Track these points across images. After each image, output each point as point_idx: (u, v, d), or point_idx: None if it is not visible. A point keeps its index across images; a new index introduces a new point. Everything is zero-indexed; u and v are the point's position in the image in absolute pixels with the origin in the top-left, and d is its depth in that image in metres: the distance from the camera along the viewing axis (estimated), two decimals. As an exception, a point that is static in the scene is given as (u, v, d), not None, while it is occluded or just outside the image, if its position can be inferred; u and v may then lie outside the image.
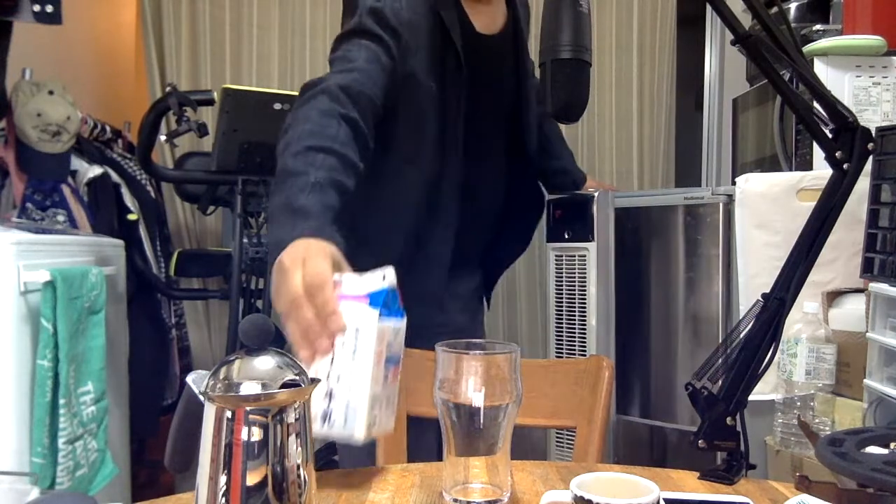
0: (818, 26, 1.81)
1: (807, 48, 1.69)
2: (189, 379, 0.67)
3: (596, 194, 1.83)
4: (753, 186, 1.61)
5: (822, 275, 1.53)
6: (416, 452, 1.16)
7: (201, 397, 0.60)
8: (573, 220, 1.85)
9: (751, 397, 0.88)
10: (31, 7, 1.63)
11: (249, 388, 0.58)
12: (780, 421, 1.46)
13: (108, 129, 2.46)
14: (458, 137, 1.30)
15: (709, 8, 1.94)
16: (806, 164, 1.72)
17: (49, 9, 1.64)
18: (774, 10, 0.91)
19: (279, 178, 1.00)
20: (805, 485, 0.69)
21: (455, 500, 0.75)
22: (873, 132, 0.90)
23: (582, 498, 0.59)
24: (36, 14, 1.63)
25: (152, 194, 2.51)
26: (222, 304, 2.54)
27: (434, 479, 0.85)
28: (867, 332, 1.35)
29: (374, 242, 1.26)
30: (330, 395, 0.78)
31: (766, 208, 1.59)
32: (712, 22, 2.82)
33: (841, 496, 0.67)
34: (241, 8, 2.63)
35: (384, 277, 0.81)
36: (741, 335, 0.89)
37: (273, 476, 0.58)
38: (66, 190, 2.13)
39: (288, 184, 0.98)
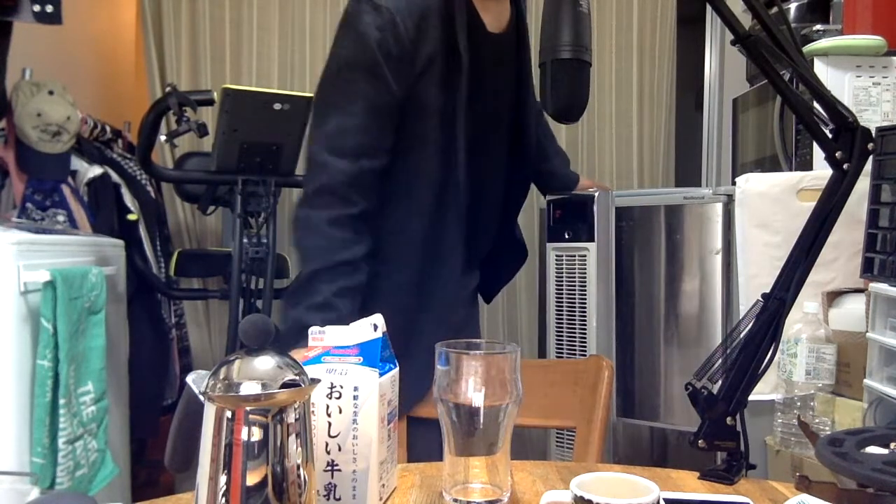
0: (818, 26, 1.81)
1: (807, 48, 1.69)
2: (189, 379, 0.67)
3: (596, 194, 1.83)
4: (753, 186, 1.61)
5: (822, 275, 1.53)
6: (418, 451, 1.16)
7: (201, 397, 0.60)
8: (573, 220, 1.85)
9: (751, 397, 0.88)
10: (31, 7, 1.63)
11: (249, 388, 0.58)
12: (780, 421, 1.46)
13: (108, 129, 2.46)
14: (462, 137, 1.30)
15: (709, 8, 1.94)
16: (806, 164, 1.72)
17: (49, 9, 1.64)
18: (774, 10, 0.91)
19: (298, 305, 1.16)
20: (805, 485, 0.69)
21: (455, 500, 0.75)
22: (873, 132, 0.90)
23: (582, 498, 0.59)
24: (36, 14, 1.63)
25: (152, 194, 2.52)
26: (222, 304, 2.55)
27: (434, 479, 0.85)
28: (867, 332, 1.35)
29: (393, 259, 1.30)
30: (332, 467, 0.73)
31: (766, 208, 1.59)
32: (712, 22, 2.82)
33: (841, 496, 0.67)
34: (241, 8, 2.63)
35: (375, 327, 0.75)
36: (741, 335, 0.89)
37: (273, 476, 0.58)
38: (66, 190, 2.13)
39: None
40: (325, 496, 0.73)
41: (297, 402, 0.60)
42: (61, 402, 1.44)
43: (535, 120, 1.48)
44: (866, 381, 1.34)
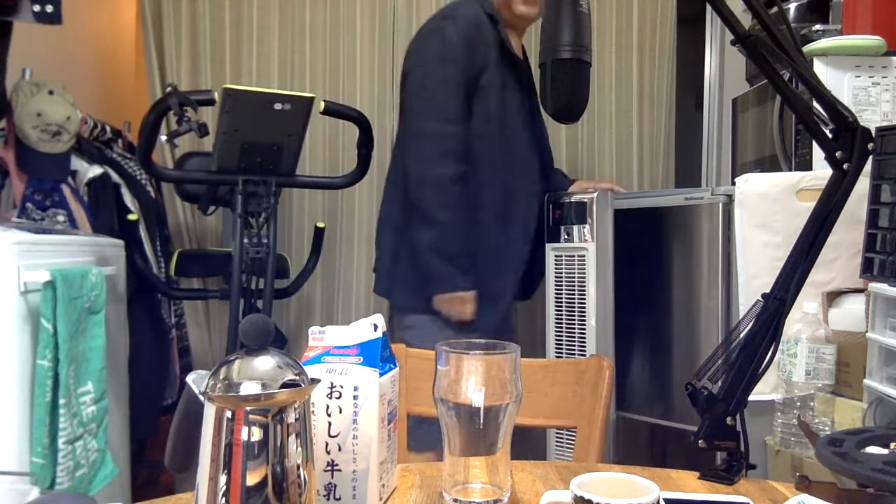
0: (818, 26, 1.81)
1: (807, 48, 1.69)
2: (189, 379, 0.67)
3: (595, 194, 1.83)
4: (753, 186, 1.61)
5: (822, 275, 1.53)
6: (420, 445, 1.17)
7: (201, 397, 0.60)
8: (573, 221, 1.85)
9: (751, 397, 0.88)
10: (31, 7, 1.63)
11: (249, 388, 0.58)
12: (780, 421, 1.47)
13: (108, 129, 2.46)
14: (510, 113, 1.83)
15: (709, 8, 1.94)
16: (806, 164, 1.72)
17: (49, 9, 1.64)
18: (774, 10, 0.91)
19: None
20: (805, 485, 0.69)
21: (455, 500, 0.75)
22: (873, 132, 0.90)
23: (582, 498, 0.59)
24: (36, 14, 1.63)
25: (152, 194, 2.51)
26: (222, 304, 2.54)
27: (434, 479, 0.85)
28: (867, 332, 1.35)
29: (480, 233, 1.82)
30: (332, 467, 0.72)
31: (766, 208, 1.59)
32: (712, 22, 2.82)
33: (841, 496, 0.67)
34: (241, 8, 2.63)
35: (375, 327, 0.75)
36: (741, 335, 0.89)
37: (273, 476, 0.58)
38: (66, 190, 2.13)
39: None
40: (325, 496, 0.73)
41: (297, 402, 0.60)
42: (61, 402, 1.44)
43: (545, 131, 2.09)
44: (866, 381, 1.34)
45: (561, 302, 1.88)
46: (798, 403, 1.44)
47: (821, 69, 1.69)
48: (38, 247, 1.50)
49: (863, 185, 1.26)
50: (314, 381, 0.61)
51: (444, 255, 1.73)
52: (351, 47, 2.64)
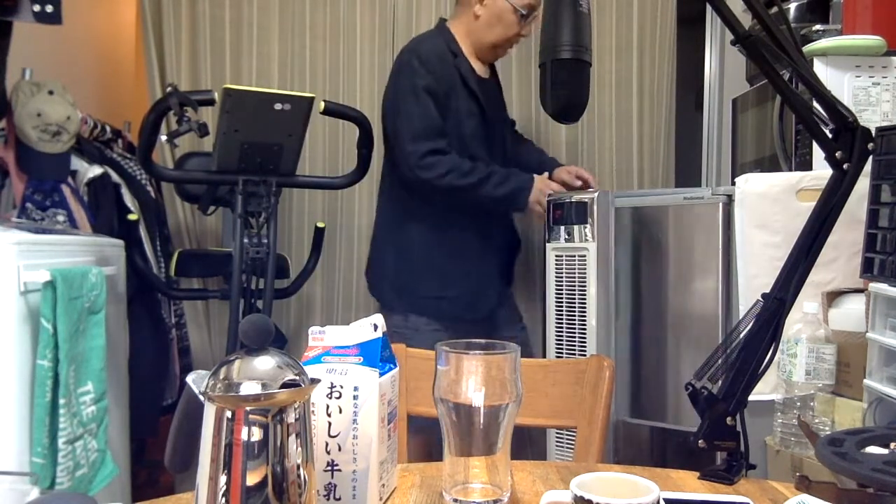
0: (818, 26, 1.81)
1: (807, 48, 1.69)
2: (189, 379, 0.67)
3: (596, 194, 1.83)
4: (753, 186, 1.61)
5: (822, 275, 1.53)
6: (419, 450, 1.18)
7: (201, 397, 0.60)
8: (573, 221, 1.85)
9: (751, 397, 0.88)
10: (31, 7, 1.63)
11: (249, 388, 0.58)
12: (780, 421, 1.46)
13: (108, 129, 2.46)
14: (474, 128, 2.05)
15: (709, 8, 1.94)
16: (806, 164, 1.72)
17: (49, 9, 1.64)
18: (774, 10, 0.91)
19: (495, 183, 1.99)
20: (805, 485, 0.69)
21: (455, 500, 0.75)
22: (873, 132, 0.90)
23: (582, 498, 0.59)
24: (36, 14, 1.63)
25: (152, 194, 2.51)
26: (222, 304, 2.54)
27: (434, 479, 0.85)
28: (867, 332, 1.35)
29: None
30: (332, 467, 0.73)
31: (766, 208, 1.59)
32: (712, 22, 2.82)
33: (841, 496, 0.67)
34: (241, 8, 2.63)
35: (375, 327, 0.75)
36: (741, 335, 0.89)
37: (273, 476, 0.58)
38: (66, 190, 2.13)
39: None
40: (325, 496, 0.73)
41: (297, 402, 0.60)
42: (61, 402, 1.44)
43: (511, 134, 2.34)
44: (866, 381, 1.34)
45: (561, 302, 1.88)
46: (798, 403, 1.44)
47: (821, 69, 1.69)
48: (38, 247, 1.50)
49: (863, 185, 1.26)
50: (314, 381, 0.61)
51: (483, 182, 1.95)
52: (351, 47, 2.63)
